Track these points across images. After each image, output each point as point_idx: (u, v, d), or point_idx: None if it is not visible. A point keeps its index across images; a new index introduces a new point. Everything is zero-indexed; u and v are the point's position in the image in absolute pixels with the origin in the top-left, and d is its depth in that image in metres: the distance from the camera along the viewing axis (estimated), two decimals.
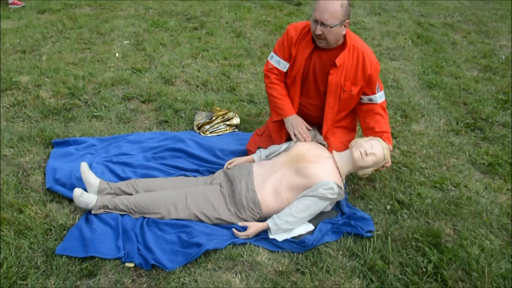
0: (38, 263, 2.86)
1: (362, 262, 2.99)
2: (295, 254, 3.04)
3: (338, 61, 3.43)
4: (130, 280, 2.79)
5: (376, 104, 3.67)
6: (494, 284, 2.87)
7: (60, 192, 3.41)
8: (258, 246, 3.07)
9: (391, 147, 3.60)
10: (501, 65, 6.41)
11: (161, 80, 5.32)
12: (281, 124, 3.78)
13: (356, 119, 3.89)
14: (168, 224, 3.18)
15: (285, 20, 7.65)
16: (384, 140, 3.52)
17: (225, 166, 3.64)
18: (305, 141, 3.57)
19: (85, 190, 3.33)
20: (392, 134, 4.36)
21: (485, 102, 5.25)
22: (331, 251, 3.07)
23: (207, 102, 4.82)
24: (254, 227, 3.12)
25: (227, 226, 3.20)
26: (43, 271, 2.81)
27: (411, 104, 5.06)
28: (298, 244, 3.07)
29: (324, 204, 3.21)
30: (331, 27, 3.25)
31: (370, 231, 3.21)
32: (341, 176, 3.38)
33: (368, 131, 3.69)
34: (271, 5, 8.40)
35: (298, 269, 2.94)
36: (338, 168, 3.37)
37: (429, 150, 4.26)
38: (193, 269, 2.86)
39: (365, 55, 3.47)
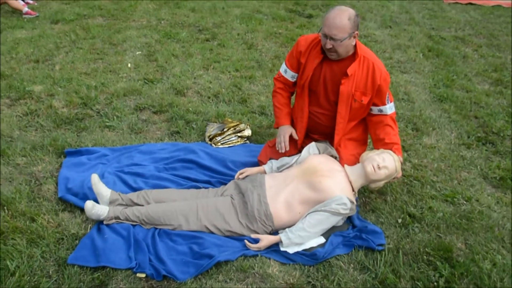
0: (50, 272, 2.87)
1: (373, 276, 2.98)
2: (306, 266, 3.03)
3: (349, 71, 3.45)
4: None
5: (386, 115, 3.67)
6: None
7: (72, 202, 3.43)
8: (269, 258, 3.06)
9: (401, 158, 3.59)
10: None
11: (173, 91, 5.34)
12: (296, 132, 3.84)
13: (367, 132, 3.90)
14: (179, 235, 3.18)
15: (296, 32, 7.68)
16: (394, 152, 3.52)
17: (236, 176, 3.65)
18: (283, 151, 3.70)
19: (97, 200, 3.35)
20: (403, 147, 4.38)
21: (496, 116, 5.23)
22: (342, 264, 3.06)
23: (218, 114, 4.84)
24: (266, 240, 3.12)
25: (238, 238, 3.20)
26: (55, 280, 2.82)
27: (422, 117, 5.06)
28: (309, 256, 3.06)
29: (336, 219, 3.21)
30: (341, 41, 3.28)
31: (381, 245, 3.20)
32: (353, 190, 3.38)
33: (378, 143, 3.70)
34: (282, 17, 8.43)
35: (309, 282, 2.93)
36: (350, 182, 3.37)
37: (441, 164, 4.25)
38: (204, 280, 2.87)
39: (375, 65, 3.50)
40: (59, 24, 7.54)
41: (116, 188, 3.54)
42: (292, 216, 3.23)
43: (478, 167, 4.25)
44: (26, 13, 7.77)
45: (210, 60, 6.27)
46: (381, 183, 3.45)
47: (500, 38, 8.30)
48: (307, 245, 3.15)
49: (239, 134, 4.46)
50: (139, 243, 3.08)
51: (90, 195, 3.43)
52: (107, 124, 4.58)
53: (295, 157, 3.63)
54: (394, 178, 3.52)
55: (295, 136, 3.82)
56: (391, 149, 3.55)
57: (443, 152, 4.44)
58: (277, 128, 3.91)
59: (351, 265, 3.07)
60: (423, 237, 3.32)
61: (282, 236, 3.12)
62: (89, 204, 3.21)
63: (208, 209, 3.25)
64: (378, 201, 3.70)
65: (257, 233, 3.20)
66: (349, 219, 3.44)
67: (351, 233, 3.30)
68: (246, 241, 3.13)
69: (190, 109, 4.92)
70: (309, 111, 3.77)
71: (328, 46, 3.32)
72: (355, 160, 3.65)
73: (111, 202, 3.35)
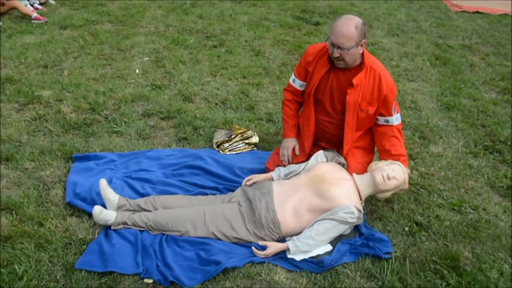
0: (58, 276, 2.89)
1: (380, 284, 2.99)
2: (313, 274, 3.04)
3: (355, 81, 3.46)
4: None
5: (392, 126, 3.68)
6: None
7: (80, 207, 3.45)
8: (276, 265, 3.07)
9: (408, 170, 3.60)
10: None
11: (180, 97, 5.36)
12: (303, 140, 3.86)
13: (374, 141, 3.90)
14: (186, 241, 3.20)
15: (304, 39, 7.69)
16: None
17: (243, 183, 3.66)
18: (286, 164, 3.81)
19: (104, 206, 3.37)
20: (410, 155, 4.38)
21: (503, 124, 5.23)
22: (349, 272, 3.06)
23: (226, 120, 4.85)
24: (274, 247, 3.13)
25: (246, 244, 3.21)
26: (63, 284, 2.84)
27: (429, 126, 5.06)
28: (316, 264, 3.07)
29: (343, 227, 3.22)
30: (348, 50, 3.30)
31: (388, 253, 3.20)
32: (360, 199, 3.38)
33: (384, 153, 3.70)
34: (290, 24, 8.44)
35: None
36: (359, 191, 3.38)
37: (448, 172, 4.25)
38: (211, 287, 2.88)
39: (382, 76, 3.50)
40: (68, 29, 7.58)
41: (123, 194, 3.56)
42: (299, 224, 3.24)
43: (485, 176, 4.25)
44: (35, 19, 7.81)
45: (218, 67, 6.29)
46: (389, 194, 3.46)
47: (508, 46, 8.29)
48: (314, 253, 3.16)
49: (246, 141, 4.47)
50: (146, 248, 3.09)
51: (98, 200, 3.45)
52: (115, 129, 4.60)
53: (302, 165, 3.64)
54: (400, 190, 3.53)
55: (297, 152, 3.88)
56: (397, 161, 3.56)
57: (450, 161, 4.44)
58: (284, 138, 3.98)
59: (358, 273, 3.07)
60: (430, 246, 3.32)
61: (289, 243, 3.13)
62: (97, 210, 3.22)
63: (216, 216, 3.26)
64: (385, 209, 3.70)
65: (264, 240, 3.21)
66: (356, 227, 3.44)
67: (358, 241, 3.30)
68: (253, 248, 3.13)
69: (198, 115, 4.94)
70: (316, 119, 3.78)
71: (336, 54, 3.34)
72: (363, 169, 3.66)
73: (118, 208, 3.37)
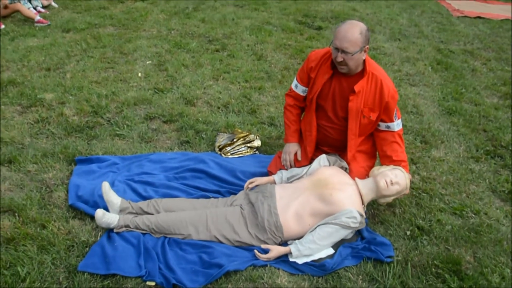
0: (60, 279, 2.89)
1: None
2: (315, 277, 3.04)
3: (357, 87, 3.47)
4: None
5: (393, 132, 3.69)
6: None
7: (82, 209, 3.45)
8: (278, 269, 3.07)
9: (410, 176, 3.62)
10: None
11: (182, 100, 5.37)
12: (305, 145, 3.87)
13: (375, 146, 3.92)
14: (189, 244, 3.20)
15: (306, 44, 7.71)
16: None
17: (245, 185, 3.67)
18: (286, 169, 3.79)
19: (106, 208, 3.37)
20: (411, 160, 4.39)
21: (505, 129, 5.24)
22: (351, 275, 3.07)
23: (228, 124, 4.86)
24: (276, 250, 3.13)
25: (248, 247, 3.21)
26: (65, 287, 2.84)
27: (431, 130, 5.07)
28: (318, 267, 3.07)
29: (346, 232, 3.22)
30: (352, 55, 3.30)
31: (390, 257, 3.20)
32: (363, 204, 3.39)
33: (386, 159, 3.71)
34: (292, 29, 8.46)
35: None
36: (361, 195, 3.39)
37: (449, 177, 4.25)
38: None
39: (383, 82, 3.51)
40: (70, 33, 7.61)
41: (126, 197, 3.57)
42: (302, 228, 3.25)
43: (487, 180, 4.26)
44: (38, 22, 7.84)
45: (220, 71, 6.31)
46: (390, 199, 3.47)
47: (509, 52, 8.31)
48: (316, 256, 3.16)
49: (248, 145, 4.47)
50: (149, 251, 3.09)
51: (100, 203, 3.46)
52: (118, 132, 4.61)
53: (305, 169, 3.65)
54: (402, 195, 3.55)
55: (299, 157, 3.89)
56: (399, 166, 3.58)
57: (452, 165, 4.45)
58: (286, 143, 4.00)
59: (360, 276, 3.08)
60: (431, 250, 3.33)
61: (292, 247, 3.13)
62: (99, 213, 3.23)
63: (218, 219, 3.27)
64: (386, 213, 3.70)
65: (267, 243, 3.21)
66: (358, 231, 3.44)
67: (360, 245, 3.31)
68: (255, 251, 3.14)
69: (200, 119, 4.95)
70: (317, 125, 3.79)
71: (339, 59, 3.34)
72: (365, 173, 3.67)
73: (121, 211, 3.37)
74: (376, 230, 3.52)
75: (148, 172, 3.97)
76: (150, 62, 6.49)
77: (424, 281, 3.06)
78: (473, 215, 3.77)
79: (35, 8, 8.55)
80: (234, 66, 6.51)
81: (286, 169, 3.83)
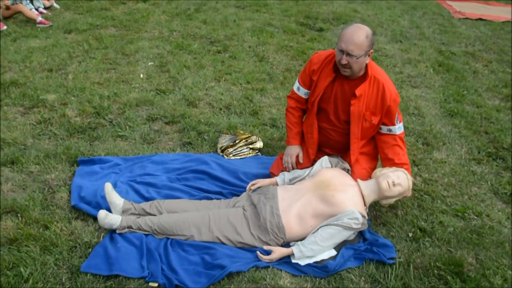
0: (63, 279, 2.90)
1: None
2: (317, 279, 3.05)
3: (358, 91, 3.48)
4: None
5: (395, 135, 3.70)
6: None
7: (85, 210, 3.46)
8: (281, 270, 3.08)
9: (412, 178, 3.62)
10: None
11: (184, 102, 5.38)
12: (307, 147, 3.88)
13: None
14: (191, 245, 3.21)
15: (307, 45, 7.71)
16: None
17: (248, 187, 3.67)
18: (288, 170, 3.78)
19: (109, 209, 3.38)
20: (413, 161, 4.40)
21: (507, 131, 5.24)
22: (353, 277, 3.07)
23: (230, 125, 4.87)
24: (278, 252, 3.14)
25: (250, 249, 3.22)
26: (68, 287, 2.84)
27: (432, 132, 5.07)
28: (320, 269, 3.08)
29: (348, 233, 3.23)
30: (357, 58, 3.30)
31: (392, 258, 3.21)
32: (365, 205, 3.39)
33: (388, 162, 3.72)
34: (294, 30, 8.46)
35: None
36: (363, 197, 3.39)
37: (451, 179, 4.26)
38: None
39: (385, 86, 3.51)
40: (72, 34, 7.61)
41: (128, 198, 3.58)
42: (304, 229, 3.25)
43: (489, 182, 4.26)
44: (40, 23, 7.84)
45: (222, 72, 6.31)
46: (392, 200, 3.48)
47: (510, 53, 8.30)
48: (318, 258, 3.17)
49: (250, 146, 4.48)
50: (151, 252, 3.10)
51: (102, 203, 3.47)
52: (120, 133, 4.61)
53: (307, 170, 3.65)
54: (404, 197, 3.55)
55: (301, 159, 3.89)
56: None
57: (454, 167, 4.45)
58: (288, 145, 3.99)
59: (362, 278, 3.08)
60: (434, 252, 3.33)
61: (294, 249, 3.14)
62: (102, 214, 3.24)
63: (220, 221, 3.28)
64: (389, 215, 3.71)
65: (269, 245, 3.22)
66: (360, 233, 3.44)
67: (362, 246, 3.31)
68: (258, 252, 3.14)
69: (202, 120, 4.95)
70: (319, 127, 3.80)
71: (344, 62, 3.34)
72: (367, 174, 3.68)
73: (123, 212, 3.38)
74: (378, 232, 3.52)
75: (150, 173, 3.98)
76: (152, 63, 6.50)
77: (426, 283, 3.06)
78: (475, 217, 3.77)
79: (37, 9, 8.56)
80: (236, 68, 6.51)
81: (288, 171, 3.83)
